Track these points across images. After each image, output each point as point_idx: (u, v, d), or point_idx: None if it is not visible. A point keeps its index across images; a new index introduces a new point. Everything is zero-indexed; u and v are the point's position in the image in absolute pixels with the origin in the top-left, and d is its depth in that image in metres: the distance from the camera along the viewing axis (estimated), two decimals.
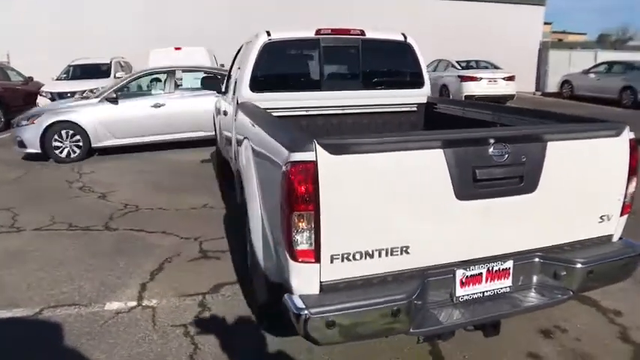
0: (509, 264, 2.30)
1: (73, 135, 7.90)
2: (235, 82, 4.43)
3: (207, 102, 7.31)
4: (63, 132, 7.84)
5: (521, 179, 2.16)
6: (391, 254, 2.00)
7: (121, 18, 17.14)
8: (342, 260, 1.92)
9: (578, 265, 2.32)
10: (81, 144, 7.97)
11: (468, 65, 15.38)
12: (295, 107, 3.92)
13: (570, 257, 2.35)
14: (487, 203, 2.12)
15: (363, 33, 4.03)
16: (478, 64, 15.65)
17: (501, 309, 2.26)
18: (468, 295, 2.24)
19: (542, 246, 2.35)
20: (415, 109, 4.38)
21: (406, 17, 17.25)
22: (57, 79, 13.07)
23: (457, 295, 2.22)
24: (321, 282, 1.94)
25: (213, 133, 6.85)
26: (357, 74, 4.14)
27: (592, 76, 16.41)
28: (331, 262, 1.91)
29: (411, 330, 2.03)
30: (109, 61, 13.05)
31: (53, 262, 3.99)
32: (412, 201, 1.99)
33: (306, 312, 1.83)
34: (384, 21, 16.20)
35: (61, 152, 7.88)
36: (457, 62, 15.45)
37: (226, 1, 18.10)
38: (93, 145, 8.08)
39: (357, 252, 1.94)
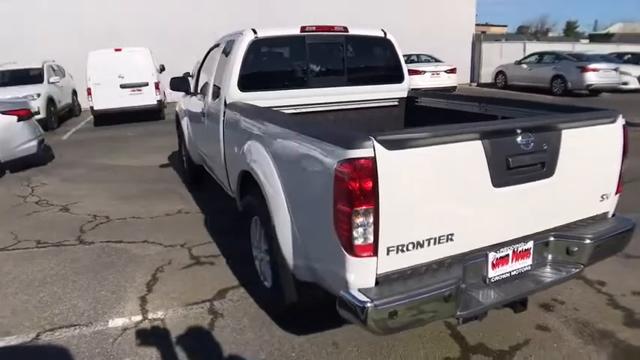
0: (531, 244, 2.46)
1: None
2: (214, 82, 4.33)
3: None
4: None
5: (543, 165, 2.32)
6: (438, 242, 2.07)
7: (54, 16, 15.93)
8: (397, 252, 1.97)
9: (587, 241, 2.51)
10: None
11: (409, 59, 15.91)
12: (284, 105, 3.90)
13: (580, 234, 2.55)
14: (516, 189, 2.25)
15: (346, 30, 4.08)
16: (419, 58, 16.24)
17: (528, 286, 2.41)
18: (498, 275, 2.37)
19: (556, 225, 2.53)
20: (397, 103, 4.50)
21: (345, 12, 17.45)
22: None
23: (489, 276, 2.34)
24: (377, 274, 1.97)
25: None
26: (341, 70, 4.19)
27: (524, 66, 17.56)
28: (387, 254, 1.95)
29: (458, 313, 2.12)
30: (40, 66, 12.14)
31: (33, 282, 3.71)
32: (456, 190, 2.08)
33: (370, 304, 1.86)
34: (323, 13, 16.33)
35: None
36: None
37: None
38: None
39: (409, 243, 1.99)
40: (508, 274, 2.41)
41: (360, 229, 1.88)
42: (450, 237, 2.10)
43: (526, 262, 2.47)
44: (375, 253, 1.92)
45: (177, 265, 3.95)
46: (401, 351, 2.72)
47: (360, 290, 1.94)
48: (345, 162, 1.86)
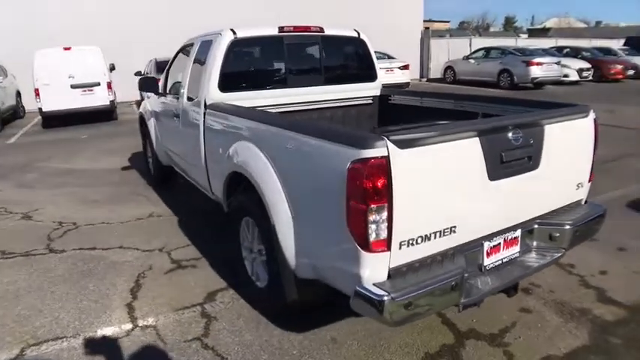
0: (518, 232, 2.62)
1: None
2: (188, 83, 4.27)
3: None
4: None
5: (530, 158, 2.48)
6: (443, 235, 2.18)
7: None
8: (408, 246, 2.06)
9: (567, 227, 2.71)
10: None
11: None
12: (264, 105, 3.90)
13: (560, 221, 2.74)
14: (508, 181, 2.39)
15: (322, 30, 4.12)
16: None
17: (519, 271, 2.57)
18: (492, 263, 2.51)
19: (539, 214, 2.71)
20: (371, 101, 4.60)
21: (298, 8, 17.48)
22: None
23: (485, 264, 2.48)
24: (389, 268, 2.05)
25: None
26: (319, 70, 4.23)
27: (472, 61, 18.27)
28: (399, 248, 2.03)
29: (462, 300, 2.23)
30: None
31: (6, 296, 3.52)
32: (458, 185, 2.19)
33: (387, 297, 1.93)
34: (271, 10, 16.28)
35: None
36: None
37: None
38: None
39: (419, 236, 2.08)
40: (500, 262, 2.55)
41: (375, 226, 1.94)
42: (452, 229, 2.21)
43: (515, 250, 2.63)
44: (389, 248, 2.00)
45: (159, 270, 3.87)
46: (399, 341, 2.82)
47: (375, 284, 2.00)
48: (360, 161, 1.92)
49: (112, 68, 12.61)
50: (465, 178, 2.21)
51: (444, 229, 2.17)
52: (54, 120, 11.71)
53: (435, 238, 2.15)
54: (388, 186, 1.91)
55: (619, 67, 18.67)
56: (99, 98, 11.70)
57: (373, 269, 2.02)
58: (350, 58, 4.58)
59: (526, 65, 15.88)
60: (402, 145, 1.94)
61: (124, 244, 4.42)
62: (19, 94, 13.61)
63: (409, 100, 4.34)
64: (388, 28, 20.10)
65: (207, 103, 3.73)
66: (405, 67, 15.66)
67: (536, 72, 15.77)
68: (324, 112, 4.35)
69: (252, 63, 4.08)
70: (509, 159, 2.34)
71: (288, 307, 2.80)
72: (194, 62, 4.22)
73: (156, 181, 6.20)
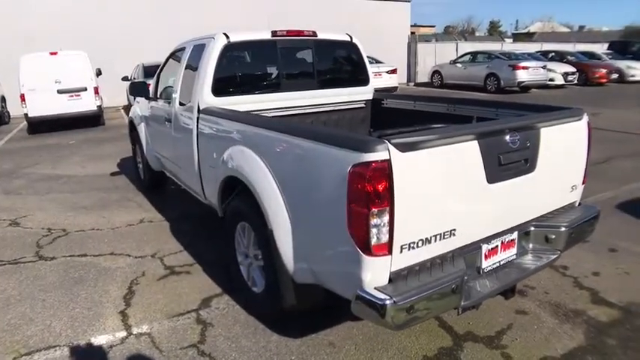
0: (515, 234, 2.64)
1: None
2: (180, 87, 4.23)
3: None
4: None
5: (526, 161, 2.50)
6: (443, 238, 2.18)
7: None
8: (409, 249, 2.05)
9: (563, 229, 2.73)
10: None
11: None
12: (257, 109, 3.88)
13: (555, 223, 2.76)
14: (506, 184, 2.41)
15: (315, 34, 4.12)
16: None
17: (516, 274, 2.58)
18: (490, 265, 2.52)
19: (535, 216, 2.73)
20: (363, 105, 4.60)
21: (285, 12, 17.50)
22: None
23: (483, 267, 2.49)
24: (390, 272, 2.04)
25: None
26: (312, 74, 4.23)
27: (459, 65, 18.45)
28: (400, 252, 2.03)
29: (462, 303, 2.23)
30: None
31: None
32: (457, 188, 2.20)
33: (390, 301, 1.92)
34: (257, 17, 16.26)
35: None
36: None
37: None
38: None
39: (419, 239, 2.08)
40: (498, 264, 2.57)
41: (377, 229, 1.93)
42: (452, 232, 2.21)
43: (512, 252, 2.65)
44: (390, 252, 1.99)
45: (152, 276, 3.82)
46: (397, 345, 2.81)
47: (376, 288, 1.99)
48: (361, 165, 1.91)
49: (99, 73, 12.51)
50: (464, 181, 2.22)
51: (444, 232, 2.17)
52: (40, 126, 11.56)
53: (435, 241, 2.15)
54: (389, 189, 1.91)
55: (603, 70, 19.00)
56: (86, 103, 11.57)
57: (374, 273, 2.01)
58: (343, 62, 4.59)
59: (512, 69, 16.07)
60: (403, 148, 1.94)
61: (115, 250, 4.36)
62: (3, 99, 13.41)
63: (402, 104, 4.36)
64: (376, 33, 20.22)
65: (201, 108, 3.71)
66: (393, 71, 15.76)
67: (522, 76, 15.97)
68: (318, 116, 4.35)
69: (245, 67, 4.06)
70: (507, 162, 2.36)
71: (285, 313, 2.77)
72: (186, 67, 4.19)
73: (146, 186, 6.13)
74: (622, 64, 20.20)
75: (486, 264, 2.50)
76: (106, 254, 4.28)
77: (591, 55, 21.38)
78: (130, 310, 3.30)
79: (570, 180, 2.88)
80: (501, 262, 2.59)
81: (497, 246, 2.54)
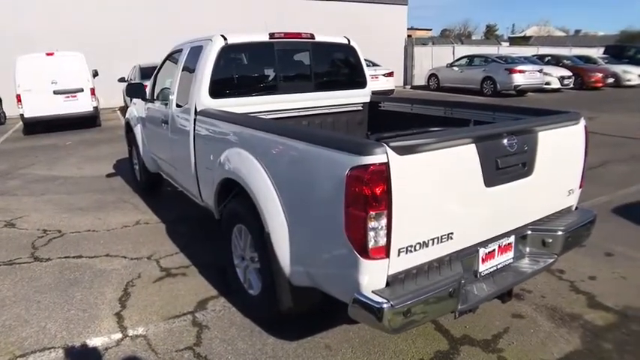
0: (512, 238, 2.64)
1: None
2: (177, 89, 4.23)
3: None
4: None
5: (524, 165, 2.50)
6: (440, 241, 2.18)
7: None
8: (406, 252, 2.05)
9: (560, 233, 2.73)
10: None
11: None
12: (254, 112, 3.87)
13: (552, 227, 2.76)
14: (503, 188, 2.41)
15: (312, 36, 4.12)
16: None
17: (513, 277, 2.58)
18: (487, 269, 2.52)
19: (532, 220, 2.73)
20: (361, 108, 4.61)
21: (282, 16, 17.53)
22: None
23: (480, 270, 2.48)
24: (387, 276, 2.04)
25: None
26: (309, 77, 4.23)
27: (455, 69, 18.49)
28: (398, 255, 2.02)
29: (459, 307, 2.23)
30: None
31: None
32: (455, 191, 2.20)
33: (387, 305, 1.92)
34: (254, 19, 16.28)
35: None
36: None
37: None
38: None
39: (417, 243, 2.08)
40: (495, 268, 2.57)
41: (374, 233, 1.93)
42: (450, 235, 2.21)
43: (509, 255, 2.65)
44: (387, 255, 1.99)
45: (147, 278, 3.80)
46: (393, 348, 2.81)
47: (374, 292, 1.99)
48: (359, 168, 1.91)
49: (95, 74, 12.48)
50: (461, 185, 2.22)
51: (441, 236, 2.17)
52: (36, 126, 11.52)
53: (432, 244, 2.15)
54: (387, 193, 1.91)
55: (599, 75, 19.08)
56: (82, 104, 11.54)
57: (372, 276, 2.01)
58: (340, 65, 4.59)
59: (509, 73, 16.13)
60: (401, 151, 1.94)
61: (111, 252, 4.34)
62: None
63: (399, 107, 4.36)
64: (373, 36, 20.24)
65: (198, 110, 3.70)
66: (390, 74, 15.79)
67: (518, 79, 16.03)
68: (314, 119, 4.34)
69: (242, 69, 4.05)
70: (505, 165, 2.36)
71: (282, 315, 2.76)
72: (183, 68, 4.18)
73: (143, 188, 6.11)
74: (618, 68, 20.32)
75: (483, 267, 2.50)
76: (102, 256, 4.26)
77: (587, 60, 21.49)
78: (125, 312, 3.29)
79: (567, 184, 2.89)
80: (498, 266, 2.59)
81: (494, 250, 2.54)
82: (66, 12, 15.76)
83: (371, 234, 1.93)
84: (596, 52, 25.13)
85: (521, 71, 16.12)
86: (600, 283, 3.59)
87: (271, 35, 3.92)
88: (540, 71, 16.82)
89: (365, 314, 1.99)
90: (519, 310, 3.22)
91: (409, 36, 25.24)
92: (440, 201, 2.14)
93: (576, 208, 3.08)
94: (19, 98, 10.88)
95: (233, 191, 3.13)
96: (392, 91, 15.81)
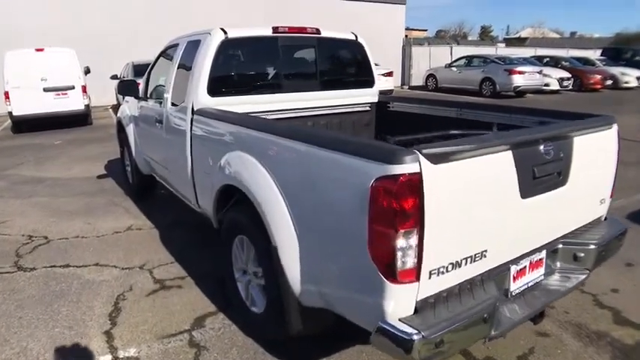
0: (544, 254, 2.40)
1: None
2: (173, 86, 3.95)
3: None
4: None
5: (559, 174, 2.26)
6: (473, 260, 1.93)
7: None
8: (438, 275, 1.80)
9: (592, 246, 2.50)
10: None
11: None
12: (256, 111, 3.60)
13: (584, 240, 2.53)
14: (539, 199, 2.16)
15: (318, 32, 3.86)
16: None
17: (546, 297, 2.34)
18: (518, 288, 2.28)
19: (564, 233, 2.49)
20: (368, 108, 4.35)
21: (285, 14, 17.28)
22: None
23: (511, 289, 2.24)
24: (417, 301, 1.78)
25: None
26: (314, 75, 3.97)
27: (454, 69, 18.29)
28: (429, 278, 1.77)
29: (492, 333, 1.98)
30: None
31: None
32: (490, 204, 1.95)
33: (418, 336, 1.67)
34: (252, 16, 16.04)
35: None
36: None
37: None
38: None
39: (449, 263, 1.83)
40: (526, 286, 2.33)
41: (403, 253, 1.68)
42: (483, 254, 1.96)
43: (540, 272, 2.41)
44: (417, 278, 1.74)
45: (140, 291, 3.53)
46: None
47: (401, 320, 1.74)
48: (387, 178, 1.65)
49: (87, 71, 12.16)
50: (497, 196, 1.98)
51: (475, 254, 1.92)
52: (25, 124, 11.16)
53: (465, 264, 1.90)
54: (419, 207, 1.65)
55: (598, 77, 18.96)
56: (73, 102, 11.20)
57: (399, 302, 1.75)
58: (347, 63, 4.34)
59: (508, 74, 15.94)
60: (435, 159, 1.68)
61: (100, 261, 4.06)
62: None
63: (410, 108, 4.11)
64: (371, 35, 19.94)
65: (195, 109, 3.43)
66: (389, 74, 15.55)
67: (518, 81, 15.85)
68: (319, 120, 4.08)
69: (243, 66, 3.77)
70: (542, 174, 2.12)
71: (289, 337, 2.50)
72: (179, 64, 3.91)
73: (135, 190, 5.81)
74: (616, 70, 20.22)
75: (515, 286, 2.26)
76: (91, 265, 3.98)
77: (585, 61, 21.37)
78: (116, 330, 3.01)
79: (599, 193, 2.66)
80: (529, 284, 2.34)
81: (525, 266, 2.30)
82: (57, 6, 15.37)
83: (399, 254, 1.67)
84: (594, 54, 25.05)
85: (520, 72, 15.94)
86: (623, 296, 3.37)
87: (275, 29, 3.66)
88: (540, 72, 16.66)
89: (391, 345, 1.74)
90: (543, 327, 2.97)
91: (406, 36, 25.05)
92: (474, 215, 1.89)
93: (605, 218, 2.85)
94: (7, 95, 10.52)
95: (233, 198, 2.87)
96: (391, 91, 15.57)
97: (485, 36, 66.19)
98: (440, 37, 53.57)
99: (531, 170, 2.06)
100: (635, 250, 4.04)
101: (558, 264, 2.52)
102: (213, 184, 3.04)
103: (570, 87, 18.38)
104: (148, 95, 4.74)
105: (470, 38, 55.74)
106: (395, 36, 22.79)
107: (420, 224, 1.67)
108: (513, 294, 2.25)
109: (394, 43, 22.64)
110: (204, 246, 4.26)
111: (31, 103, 10.62)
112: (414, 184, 1.64)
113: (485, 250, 1.97)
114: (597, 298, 3.34)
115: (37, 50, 10.74)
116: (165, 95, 4.08)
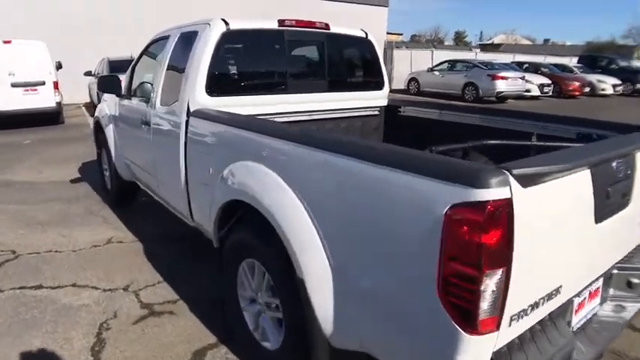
0: (600, 282, 2.11)
1: None
2: (163, 84, 3.54)
3: None
4: None
5: (624, 195, 1.97)
6: (550, 298, 1.61)
7: None
8: (518, 320, 1.48)
9: None
10: None
11: None
12: (258, 113, 3.23)
13: (638, 264, 2.26)
14: (608, 223, 1.87)
15: (327, 27, 3.53)
16: None
17: (607, 331, 2.06)
18: (579, 321, 2.00)
19: (619, 258, 2.22)
20: (377, 112, 4.03)
21: (263, 14, 16.84)
22: None
23: (573, 324, 1.94)
24: (493, 352, 1.45)
25: None
26: (322, 74, 3.62)
27: (437, 73, 18.22)
28: (509, 325, 1.44)
29: None
30: None
31: None
32: (567, 232, 1.64)
33: None
34: (232, 15, 15.53)
35: None
36: None
37: None
38: None
39: (529, 305, 1.51)
40: (585, 319, 2.04)
41: (486, 298, 1.34)
42: (558, 290, 1.65)
43: (596, 302, 2.13)
44: (498, 327, 1.40)
45: (126, 318, 3.09)
46: None
47: None
48: (468, 206, 1.31)
49: (59, 67, 11.50)
50: (574, 223, 1.67)
51: (552, 291, 1.61)
52: None
53: (542, 304, 1.58)
54: (509, 241, 1.32)
55: (576, 84, 19.25)
56: (43, 99, 10.52)
57: (475, 356, 1.42)
58: (356, 62, 4.00)
59: (491, 79, 15.96)
60: (527, 182, 1.35)
61: (78, 280, 3.60)
62: None
63: (424, 113, 3.79)
64: None
65: (191, 110, 3.03)
66: None
67: (501, 86, 15.88)
68: (325, 124, 3.73)
69: (246, 62, 3.37)
70: (614, 195, 1.83)
71: None
72: (171, 59, 3.50)
73: (114, 198, 5.33)
74: (593, 77, 20.59)
75: (576, 320, 1.97)
76: (67, 286, 3.52)
77: (563, 68, 21.71)
78: None
79: None
80: (587, 316, 2.06)
81: (585, 298, 2.01)
82: None
83: (486, 301, 1.34)
84: (570, 62, 25.49)
85: (503, 78, 15.98)
86: None
87: (281, 22, 3.29)
88: (522, 78, 16.76)
89: None
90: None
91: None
92: (554, 247, 1.57)
93: None
94: None
95: (239, 213, 2.49)
96: None
97: (460, 41, 67.07)
98: (415, 42, 53.92)
99: (606, 191, 1.77)
100: None
101: (611, 291, 2.24)
102: (215, 198, 2.64)
103: (550, 93, 18.58)
104: (132, 93, 4.29)
105: (446, 43, 56.40)
106: (377, 38, 22.54)
107: (507, 262, 1.34)
108: (574, 329, 1.95)
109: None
110: (195, 261, 3.85)
111: None
112: (504, 212, 1.30)
113: (560, 286, 1.66)
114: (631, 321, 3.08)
115: (5, 42, 10.03)
116: (152, 94, 3.66)
